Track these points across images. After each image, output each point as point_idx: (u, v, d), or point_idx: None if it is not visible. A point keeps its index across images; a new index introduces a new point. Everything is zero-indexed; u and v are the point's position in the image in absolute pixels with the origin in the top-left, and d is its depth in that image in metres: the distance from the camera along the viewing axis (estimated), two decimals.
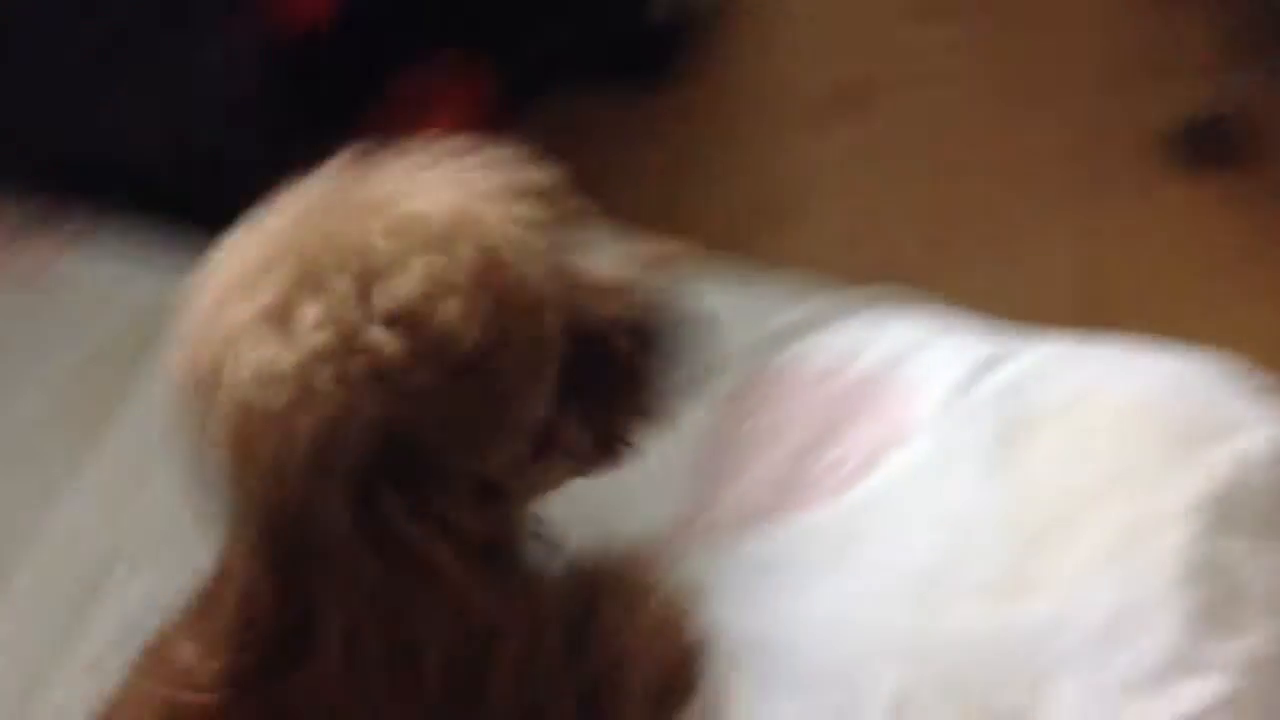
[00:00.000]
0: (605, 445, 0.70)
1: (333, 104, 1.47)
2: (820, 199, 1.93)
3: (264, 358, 0.55)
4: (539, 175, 0.65)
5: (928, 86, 2.06)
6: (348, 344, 0.55)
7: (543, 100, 2.03)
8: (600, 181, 1.70)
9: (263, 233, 0.61)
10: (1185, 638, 0.75)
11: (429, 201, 0.60)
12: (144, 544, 0.89)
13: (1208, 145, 1.76)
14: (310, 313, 0.55)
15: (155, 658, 0.70)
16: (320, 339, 0.55)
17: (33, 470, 0.95)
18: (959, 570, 0.81)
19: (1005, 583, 0.80)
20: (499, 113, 1.85)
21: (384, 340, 0.55)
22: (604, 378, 0.66)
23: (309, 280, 0.56)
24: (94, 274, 1.09)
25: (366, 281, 0.56)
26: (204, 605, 0.69)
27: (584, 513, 0.83)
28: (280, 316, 0.56)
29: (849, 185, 1.95)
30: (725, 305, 0.98)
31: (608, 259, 0.68)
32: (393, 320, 0.56)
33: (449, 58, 1.74)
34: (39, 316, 1.08)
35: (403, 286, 0.56)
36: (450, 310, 0.56)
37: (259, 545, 0.60)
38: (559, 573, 0.78)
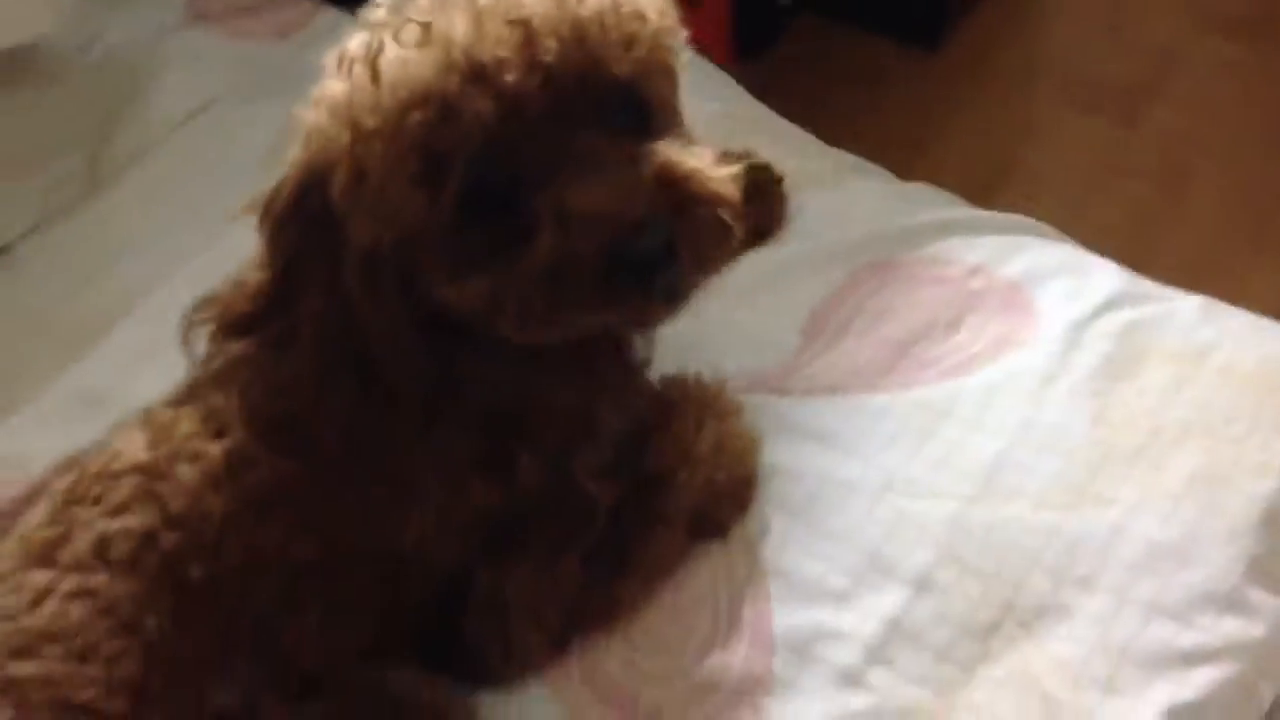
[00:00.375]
0: (525, 326, 0.67)
1: None
2: (1045, 187, 1.90)
3: (406, 59, 0.61)
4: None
5: (1195, 102, 1.99)
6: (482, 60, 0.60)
7: (813, 26, 2.08)
8: (847, 115, 1.72)
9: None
10: (1239, 579, 0.75)
11: None
12: None
13: None
14: (459, 27, 0.60)
15: (148, 423, 0.73)
16: (460, 54, 0.60)
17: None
18: (1025, 477, 0.81)
19: (1068, 494, 0.80)
20: (747, 28, 1.92)
21: (511, 65, 0.60)
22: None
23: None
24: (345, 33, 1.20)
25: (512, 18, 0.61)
26: (210, 380, 0.73)
27: (695, 347, 0.89)
28: (428, 34, 0.61)
29: (1079, 177, 1.92)
30: (871, 196, 1.02)
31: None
32: (524, 53, 0.60)
33: None
34: (286, 65, 1.19)
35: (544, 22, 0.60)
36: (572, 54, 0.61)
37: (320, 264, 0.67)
38: (653, 382, 0.84)
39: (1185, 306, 0.91)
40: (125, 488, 0.68)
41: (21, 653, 0.63)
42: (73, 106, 1.15)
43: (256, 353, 0.71)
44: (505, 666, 0.75)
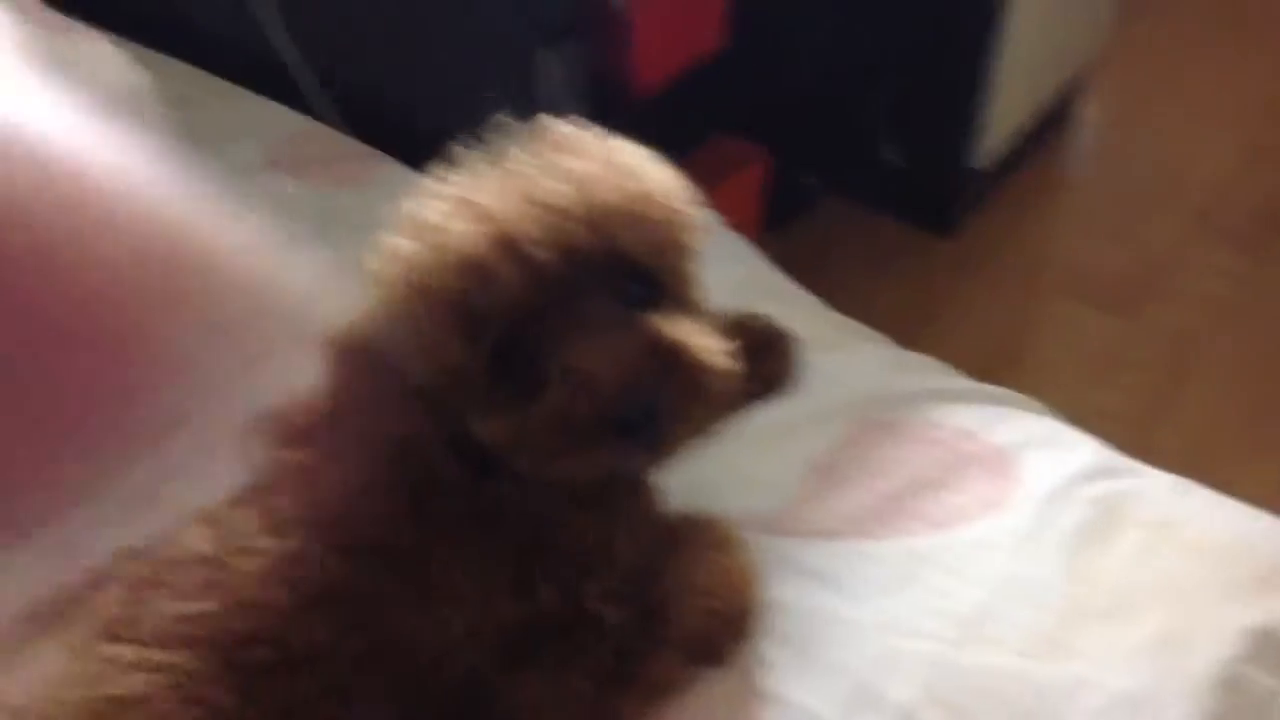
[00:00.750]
0: (535, 464, 0.77)
1: None
2: (1047, 373, 1.99)
3: (460, 231, 0.71)
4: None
5: (1194, 302, 2.09)
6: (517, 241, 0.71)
7: (835, 207, 2.20)
8: (860, 291, 1.86)
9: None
10: None
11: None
12: None
13: None
14: (503, 208, 0.72)
15: (211, 520, 0.81)
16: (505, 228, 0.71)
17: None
18: (1003, 626, 0.88)
19: (1041, 645, 0.87)
20: (774, 206, 2.05)
21: (541, 245, 0.70)
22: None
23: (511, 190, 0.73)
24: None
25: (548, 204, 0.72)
26: (269, 485, 0.82)
27: (706, 488, 0.97)
28: (476, 211, 0.72)
29: (1080, 367, 2.01)
30: (873, 360, 1.12)
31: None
32: (557, 236, 0.71)
33: (728, 145, 1.95)
34: (347, 212, 1.31)
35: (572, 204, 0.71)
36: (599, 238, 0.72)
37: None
38: (664, 517, 0.92)
39: (1157, 482, 1.00)
40: (192, 576, 0.76)
41: (103, 718, 0.70)
42: None
43: (312, 462, 0.80)
44: None
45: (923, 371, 1.13)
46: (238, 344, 1.08)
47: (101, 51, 1.22)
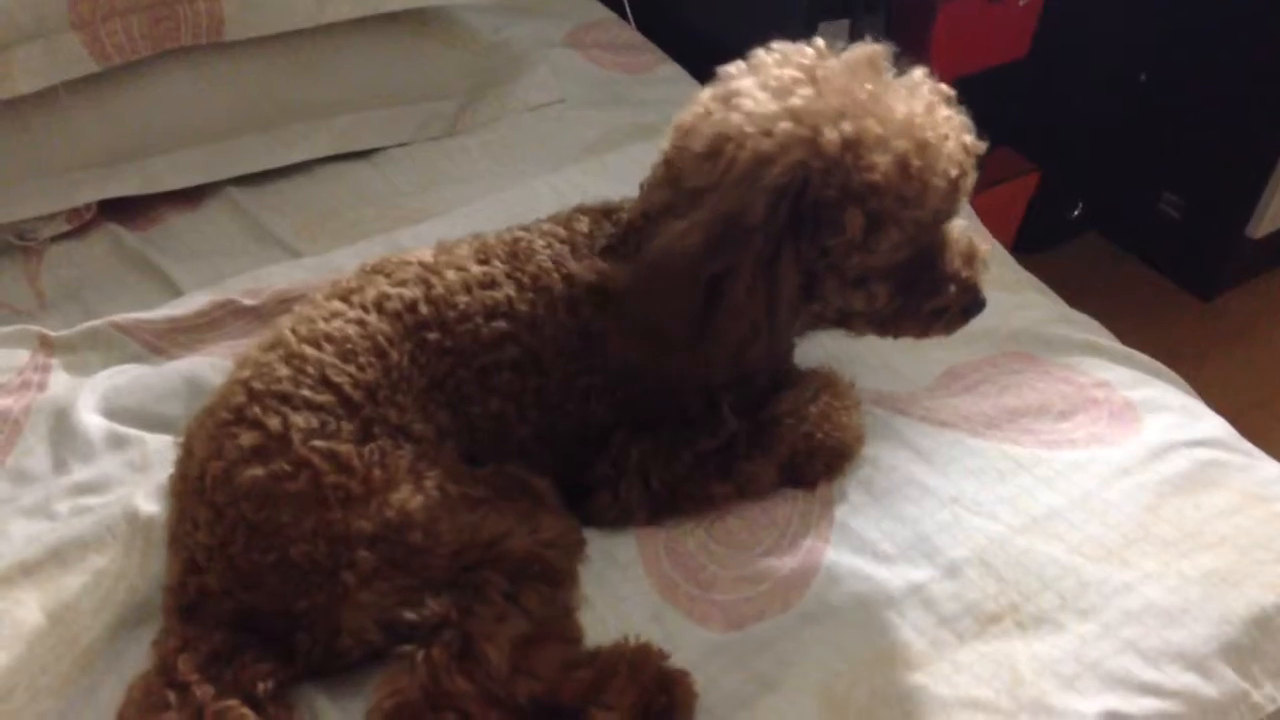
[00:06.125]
0: (884, 330, 0.98)
1: None
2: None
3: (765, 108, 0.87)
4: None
5: None
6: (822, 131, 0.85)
7: (1097, 245, 2.24)
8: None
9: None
10: (1212, 652, 0.88)
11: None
12: None
13: None
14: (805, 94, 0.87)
15: (441, 245, 0.99)
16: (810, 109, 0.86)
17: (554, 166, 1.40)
18: (1069, 529, 0.97)
19: (1099, 551, 0.95)
20: (1033, 230, 2.10)
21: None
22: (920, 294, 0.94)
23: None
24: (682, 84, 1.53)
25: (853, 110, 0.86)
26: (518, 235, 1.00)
27: (851, 363, 1.11)
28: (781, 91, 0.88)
29: None
30: (1040, 307, 1.21)
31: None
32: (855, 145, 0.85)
33: (1001, 154, 2.00)
34: (625, 92, 1.56)
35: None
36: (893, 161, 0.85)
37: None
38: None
39: (1270, 467, 1.04)
40: (408, 272, 0.96)
41: (309, 341, 0.91)
42: (460, 69, 1.50)
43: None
44: (609, 511, 0.98)
45: (1083, 327, 1.20)
46: None
47: None
